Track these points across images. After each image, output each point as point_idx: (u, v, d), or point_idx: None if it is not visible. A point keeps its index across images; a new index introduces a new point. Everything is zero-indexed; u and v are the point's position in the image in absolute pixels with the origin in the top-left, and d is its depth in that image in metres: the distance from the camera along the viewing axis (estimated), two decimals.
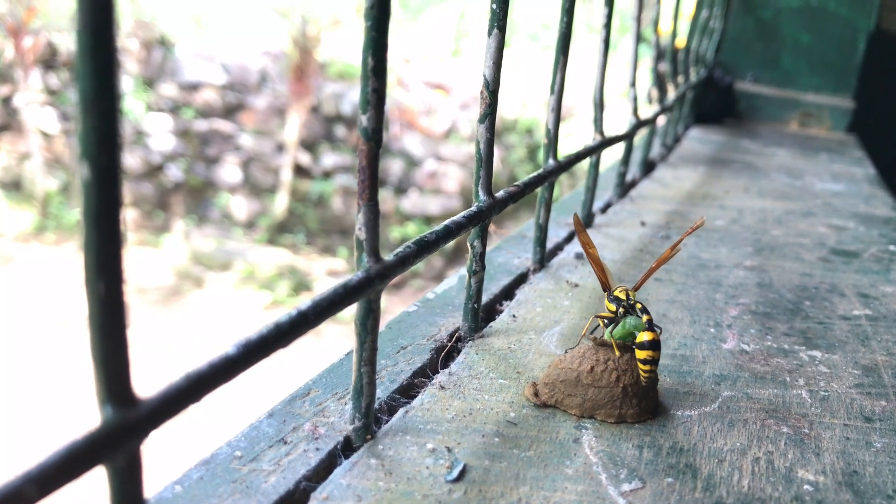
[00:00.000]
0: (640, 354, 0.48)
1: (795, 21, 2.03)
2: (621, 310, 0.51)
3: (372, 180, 0.40)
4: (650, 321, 0.49)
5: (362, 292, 0.40)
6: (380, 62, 0.38)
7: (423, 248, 0.46)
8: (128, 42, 5.38)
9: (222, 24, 5.88)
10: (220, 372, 0.30)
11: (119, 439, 0.25)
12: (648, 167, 1.32)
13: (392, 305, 4.50)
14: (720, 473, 0.44)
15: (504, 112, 5.68)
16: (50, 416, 2.97)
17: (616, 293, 0.51)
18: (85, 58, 0.23)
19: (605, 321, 0.52)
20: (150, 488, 0.33)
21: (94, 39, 0.22)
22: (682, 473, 0.44)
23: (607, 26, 0.84)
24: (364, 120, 0.39)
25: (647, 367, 0.48)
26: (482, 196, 0.55)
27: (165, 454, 1.68)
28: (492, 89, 0.54)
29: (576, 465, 0.44)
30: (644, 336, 0.48)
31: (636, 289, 0.53)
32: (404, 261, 0.43)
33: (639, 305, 0.50)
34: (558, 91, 0.69)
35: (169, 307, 4.36)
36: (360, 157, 0.39)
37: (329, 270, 5.07)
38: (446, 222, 0.50)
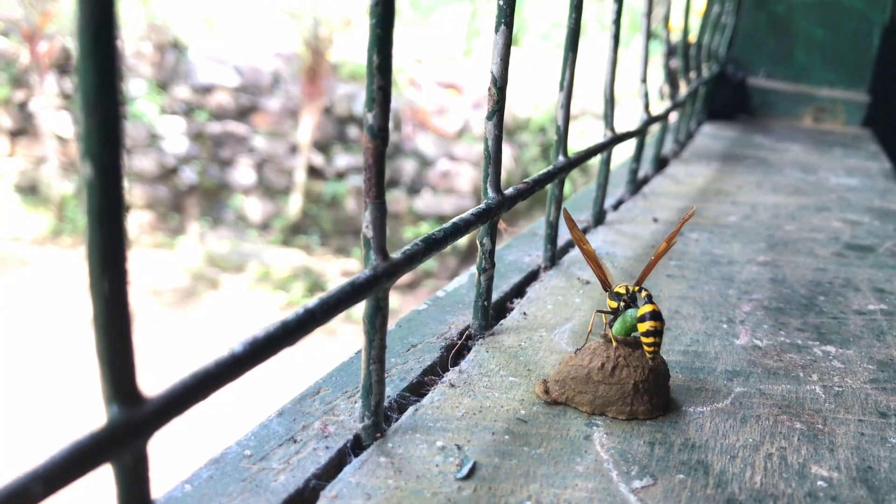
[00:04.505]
0: (643, 327, 0.47)
1: (808, 15, 2.01)
2: (622, 304, 0.50)
3: (378, 178, 0.40)
4: (649, 296, 0.48)
5: (370, 290, 0.40)
6: (385, 60, 0.38)
7: (431, 245, 0.46)
8: (141, 45, 5.41)
9: (234, 27, 5.90)
10: (226, 370, 0.30)
11: (125, 437, 0.25)
12: (661, 164, 1.31)
13: (406, 305, 4.51)
14: (732, 470, 0.44)
15: (516, 111, 5.67)
16: (67, 416, 3.00)
17: (617, 289, 0.51)
18: (86, 57, 0.23)
19: (608, 317, 0.51)
20: (160, 487, 0.33)
21: (94, 38, 0.23)
22: (693, 470, 0.44)
23: (617, 22, 0.84)
24: (370, 118, 0.39)
25: (650, 340, 0.47)
26: (491, 193, 0.55)
27: (177, 453, 1.69)
28: (499, 86, 0.54)
29: (586, 463, 0.44)
30: (645, 308, 0.47)
31: (638, 284, 0.53)
32: (412, 258, 0.43)
33: (635, 289, 0.50)
34: (568, 87, 0.69)
35: (184, 309, 4.38)
36: (365, 155, 0.39)
37: (343, 271, 5.08)
38: (454, 219, 0.50)
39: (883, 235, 0.98)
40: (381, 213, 0.40)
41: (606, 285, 0.53)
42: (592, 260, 0.53)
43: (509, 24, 0.54)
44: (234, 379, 0.31)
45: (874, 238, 0.96)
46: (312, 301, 0.36)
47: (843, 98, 2.03)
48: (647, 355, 0.48)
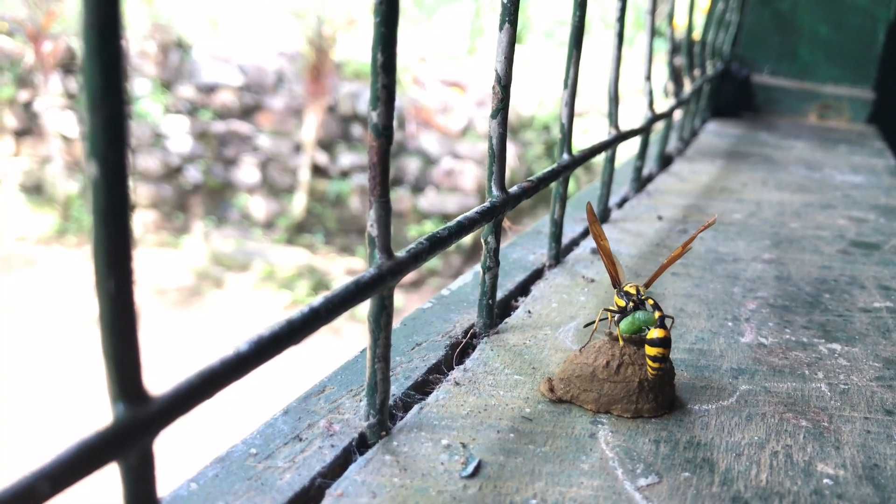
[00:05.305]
0: (651, 351, 0.47)
1: (813, 12, 2.01)
2: (630, 304, 0.50)
3: (383, 177, 0.40)
4: (662, 318, 0.48)
5: (375, 289, 0.40)
6: (389, 58, 0.38)
7: (436, 244, 0.46)
8: (145, 45, 5.42)
9: (238, 26, 5.91)
10: (231, 369, 0.30)
11: (131, 436, 0.25)
12: (665, 161, 1.31)
13: (411, 303, 4.51)
14: (738, 468, 0.44)
15: (521, 109, 5.67)
16: (73, 415, 3.00)
17: (626, 288, 0.51)
18: (91, 57, 0.23)
19: (614, 315, 0.51)
20: (166, 486, 0.33)
21: (100, 38, 0.23)
22: (699, 468, 0.44)
23: (621, 20, 0.84)
24: (374, 116, 0.39)
25: (656, 364, 0.47)
26: (495, 192, 0.55)
27: (183, 452, 1.69)
28: (503, 84, 0.54)
29: (592, 461, 0.44)
30: (655, 333, 0.47)
31: (647, 285, 0.53)
32: (416, 257, 0.43)
33: (650, 301, 0.50)
34: (572, 85, 0.69)
35: (189, 308, 4.39)
36: (370, 154, 0.39)
37: (348, 270, 5.08)
38: (459, 218, 0.50)
39: (888, 233, 0.97)
40: (385, 212, 0.40)
41: (616, 283, 0.53)
42: (607, 256, 0.53)
43: (513, 22, 0.53)
44: (239, 378, 0.31)
45: (880, 235, 0.96)
46: (317, 300, 0.36)
47: (848, 95, 2.02)
48: (650, 374, 0.48)
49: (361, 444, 0.44)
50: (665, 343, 0.47)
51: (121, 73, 0.23)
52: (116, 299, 0.25)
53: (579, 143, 0.77)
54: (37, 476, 0.23)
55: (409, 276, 4.86)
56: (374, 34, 0.38)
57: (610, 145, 0.85)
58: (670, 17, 1.25)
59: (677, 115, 1.44)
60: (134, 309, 0.25)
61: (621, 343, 0.49)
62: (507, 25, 0.53)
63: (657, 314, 0.49)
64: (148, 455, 0.27)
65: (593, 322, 0.53)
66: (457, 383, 0.51)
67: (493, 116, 0.55)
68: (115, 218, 0.24)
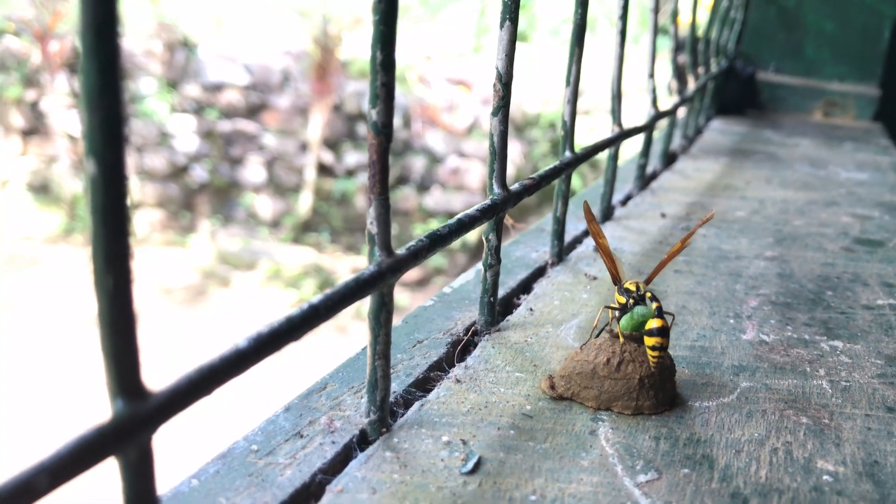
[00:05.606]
0: (649, 341, 0.48)
1: (818, 9, 2.00)
2: (631, 301, 0.51)
3: (383, 174, 0.40)
4: (659, 308, 0.48)
5: (374, 286, 0.40)
6: (388, 56, 0.38)
7: (436, 241, 0.46)
8: (151, 44, 5.43)
9: (243, 25, 5.91)
10: (231, 365, 0.30)
11: (130, 431, 0.26)
12: (669, 159, 1.31)
13: (415, 302, 4.51)
14: (737, 464, 0.44)
15: (526, 107, 5.66)
16: (77, 411, 3.01)
17: (626, 285, 0.51)
18: (89, 55, 0.23)
19: (615, 312, 0.52)
20: (167, 483, 0.33)
21: (97, 37, 0.23)
22: (698, 464, 0.44)
23: (623, 17, 0.84)
24: (374, 114, 0.39)
25: (655, 353, 0.48)
26: (496, 189, 0.55)
27: (184, 448, 1.70)
28: (504, 82, 0.54)
29: (592, 457, 0.44)
30: (653, 323, 0.48)
31: (648, 282, 0.53)
32: (416, 254, 0.43)
33: (648, 294, 0.50)
34: (574, 83, 0.69)
35: (195, 307, 4.40)
36: (370, 152, 0.39)
37: (353, 268, 5.09)
38: (459, 215, 0.50)
39: (892, 230, 0.97)
40: (385, 209, 0.40)
41: (617, 280, 0.53)
42: (606, 254, 0.53)
43: (514, 20, 0.54)
44: (238, 374, 0.31)
45: (884, 233, 0.96)
46: (317, 297, 0.36)
47: (854, 92, 2.02)
48: (651, 364, 0.48)
49: (362, 441, 0.44)
50: (663, 332, 0.47)
51: (118, 71, 0.23)
52: (115, 296, 0.25)
53: (585, 141, 0.77)
54: (36, 470, 0.23)
55: (415, 275, 4.87)
56: (373, 32, 0.38)
57: (613, 143, 0.85)
58: (674, 14, 1.25)
59: (681, 112, 1.44)
60: (132, 306, 0.25)
61: (622, 340, 0.50)
62: (507, 23, 0.53)
63: (654, 305, 0.49)
64: (147, 451, 0.27)
65: (607, 327, 0.53)
66: (458, 380, 0.51)
67: (495, 114, 0.55)
68: (114, 215, 0.24)
